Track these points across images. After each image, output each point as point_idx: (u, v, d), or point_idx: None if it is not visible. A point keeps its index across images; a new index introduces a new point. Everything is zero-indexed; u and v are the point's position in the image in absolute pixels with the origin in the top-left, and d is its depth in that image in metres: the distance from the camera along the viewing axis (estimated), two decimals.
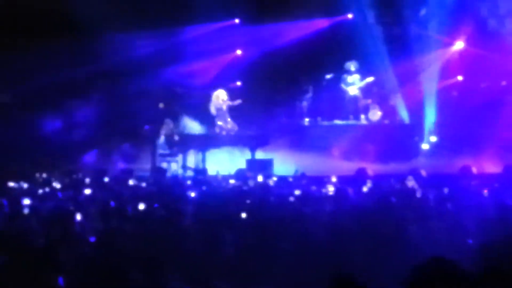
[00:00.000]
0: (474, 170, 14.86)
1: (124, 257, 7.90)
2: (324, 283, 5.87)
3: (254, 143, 21.31)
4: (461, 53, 23.19)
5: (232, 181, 16.13)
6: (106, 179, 16.00)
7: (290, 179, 16.13)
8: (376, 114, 22.91)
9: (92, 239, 8.73)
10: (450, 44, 23.19)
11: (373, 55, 22.85)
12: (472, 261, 7.02)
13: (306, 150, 21.51)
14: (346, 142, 21.86)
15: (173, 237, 8.87)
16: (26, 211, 10.88)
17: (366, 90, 23.30)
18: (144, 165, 21.13)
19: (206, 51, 23.45)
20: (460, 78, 23.15)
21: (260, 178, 16.06)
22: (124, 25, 22.02)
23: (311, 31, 23.94)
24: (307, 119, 23.50)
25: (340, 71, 23.50)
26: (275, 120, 23.25)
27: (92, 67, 22.39)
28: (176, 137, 21.94)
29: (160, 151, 21.96)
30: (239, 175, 17.06)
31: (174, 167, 21.62)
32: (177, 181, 16.83)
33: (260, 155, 21.30)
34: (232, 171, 18.07)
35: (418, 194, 11.57)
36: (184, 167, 21.37)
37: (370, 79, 23.25)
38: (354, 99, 23.29)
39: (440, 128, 22.67)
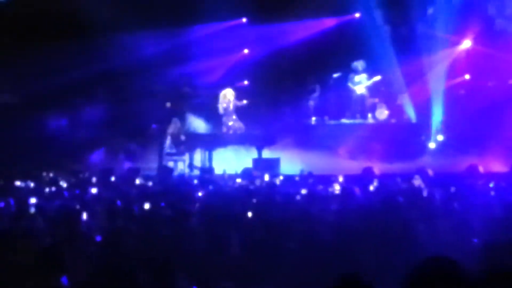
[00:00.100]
0: (481, 169, 14.82)
1: (130, 256, 7.90)
2: (330, 283, 5.86)
3: (260, 142, 21.29)
4: (468, 52, 23.13)
5: (238, 180, 16.13)
6: (113, 178, 16.01)
7: (297, 178, 16.12)
8: (383, 113, 22.89)
9: (98, 238, 8.73)
10: (457, 43, 23.14)
11: (380, 54, 22.82)
12: (478, 260, 7.01)
13: (313, 149, 21.51)
14: (353, 141, 21.85)
15: (180, 236, 8.87)
16: (32, 210, 10.90)
17: (373, 89, 23.29)
18: (151, 164, 21.14)
19: (214, 50, 23.47)
20: (467, 77, 23.09)
21: (266, 177, 16.06)
22: (131, 25, 22.05)
23: (318, 31, 23.94)
24: (314, 118, 23.50)
25: (347, 70, 23.49)
26: (282, 119, 23.23)
27: (99, 67, 22.39)
28: (183, 137, 21.95)
29: (167, 150, 21.98)
30: (246, 174, 17.06)
31: (180, 166, 21.63)
32: (183, 180, 16.83)
33: (266, 154, 21.29)
34: (239, 170, 18.06)
35: (425, 193, 11.54)
36: (191, 166, 21.37)
37: (377, 78, 23.23)
38: (361, 98, 23.27)
39: (447, 127, 22.63)
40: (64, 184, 15.52)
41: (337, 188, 13.02)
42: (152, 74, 23.30)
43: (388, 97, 23.30)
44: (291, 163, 20.11)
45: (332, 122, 23.36)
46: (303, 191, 12.28)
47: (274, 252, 8.33)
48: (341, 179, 14.51)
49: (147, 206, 10.76)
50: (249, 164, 19.93)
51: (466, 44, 23.09)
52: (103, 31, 21.84)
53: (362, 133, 22.08)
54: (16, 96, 23.56)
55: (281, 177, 16.47)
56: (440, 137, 22.64)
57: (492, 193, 11.74)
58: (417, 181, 13.09)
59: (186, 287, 7.12)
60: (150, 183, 15.83)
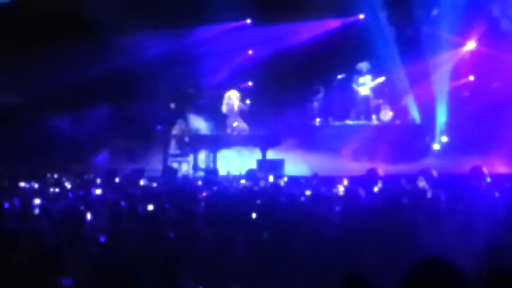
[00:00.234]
0: (485, 170, 14.80)
1: (134, 257, 7.90)
2: (335, 283, 5.86)
3: (265, 144, 21.27)
4: (473, 53, 23.11)
5: (243, 181, 16.12)
6: (117, 179, 16.02)
7: (302, 181, 16.10)
8: (387, 114, 22.89)
9: (102, 239, 8.74)
10: (462, 44, 23.12)
11: (385, 56, 22.82)
12: (482, 261, 7.01)
13: (317, 150, 21.52)
14: (357, 142, 21.86)
15: (184, 237, 8.87)
16: (36, 211, 10.91)
17: (378, 90, 23.28)
18: (155, 165, 21.14)
19: (218, 51, 23.48)
20: (471, 78, 23.08)
21: (271, 179, 16.06)
22: (136, 26, 22.08)
23: (322, 32, 23.93)
24: (318, 119, 23.51)
25: (352, 72, 23.47)
26: (286, 120, 23.21)
27: (103, 68, 22.40)
28: (187, 138, 21.96)
29: (171, 151, 21.99)
30: (250, 175, 17.04)
31: (185, 167, 21.64)
32: (188, 181, 16.84)
33: (271, 155, 21.28)
34: (243, 171, 18.05)
35: (429, 195, 11.52)
36: (195, 167, 21.38)
37: (381, 79, 23.23)
38: (366, 99, 23.27)
39: (451, 128, 22.61)
40: (68, 185, 15.53)
41: (341, 189, 13.02)
42: (156, 75, 23.29)
43: (393, 98, 23.29)
44: (295, 164, 20.13)
45: (336, 123, 23.36)
46: (308, 192, 12.27)
47: (279, 253, 8.34)
48: (346, 182, 14.47)
49: (151, 207, 10.76)
50: (253, 165, 19.91)
51: (471, 45, 23.07)
52: (107, 32, 21.86)
53: (366, 134, 22.08)
54: (21, 97, 23.59)
55: (285, 178, 16.48)
56: (445, 138, 22.62)
57: (497, 194, 11.72)
58: (422, 183, 13.06)
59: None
60: (155, 184, 15.84)
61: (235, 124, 22.21)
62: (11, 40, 23.03)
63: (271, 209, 10.35)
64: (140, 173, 16.88)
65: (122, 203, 10.73)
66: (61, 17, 22.68)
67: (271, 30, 24.21)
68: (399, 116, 23.05)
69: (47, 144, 21.87)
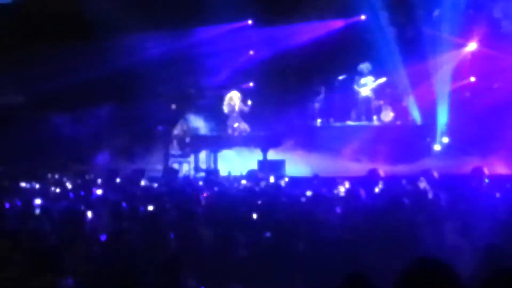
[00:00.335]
0: (486, 171, 14.80)
1: (135, 258, 7.91)
2: (335, 284, 5.87)
3: (265, 144, 21.28)
4: (474, 54, 23.10)
5: (243, 182, 16.13)
6: (118, 180, 16.02)
7: (303, 181, 16.11)
8: (388, 115, 22.88)
9: (103, 239, 8.74)
10: (463, 45, 23.10)
11: (386, 56, 22.80)
12: (481, 262, 7.01)
13: (318, 151, 21.53)
14: (358, 143, 21.84)
15: (185, 237, 8.88)
16: (37, 211, 10.91)
17: (379, 91, 23.27)
18: (156, 166, 21.16)
19: (219, 52, 23.48)
20: (472, 79, 23.06)
21: (271, 179, 16.06)
22: (137, 26, 22.08)
23: (323, 32, 23.92)
24: (319, 120, 23.49)
25: (353, 72, 23.46)
26: (287, 121, 23.20)
27: (105, 68, 22.40)
28: (188, 139, 21.96)
29: (172, 151, 21.99)
30: (251, 176, 17.05)
31: (186, 167, 21.64)
32: (188, 181, 16.85)
33: (271, 156, 21.28)
34: (244, 172, 18.06)
35: (430, 195, 11.53)
36: (196, 167, 21.39)
37: (382, 80, 23.22)
38: (367, 100, 23.25)
39: (452, 129, 22.59)
40: (69, 185, 15.54)
41: (342, 190, 13.01)
42: (157, 75, 23.29)
43: (394, 99, 23.28)
44: (296, 165, 20.13)
45: (337, 124, 23.35)
46: (308, 193, 12.27)
47: (280, 253, 8.35)
48: (347, 185, 14.46)
49: (152, 207, 10.76)
50: (254, 165, 19.92)
51: (472, 46, 23.05)
52: (109, 32, 21.85)
53: (367, 135, 22.06)
54: (22, 97, 23.61)
55: (286, 179, 16.48)
56: (445, 139, 22.61)
57: (497, 194, 11.72)
58: (422, 183, 13.06)
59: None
60: (155, 185, 15.85)
61: (236, 124, 22.21)
62: (12, 40, 23.03)
63: (272, 209, 10.36)
64: (141, 174, 16.89)
65: (123, 204, 10.73)
66: (61, 17, 22.69)
67: (272, 31, 24.22)
68: (400, 117, 23.04)
69: (48, 144, 21.87)
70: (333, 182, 14.06)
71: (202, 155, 22.00)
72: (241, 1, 22.32)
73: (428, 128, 22.89)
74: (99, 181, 16.06)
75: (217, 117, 22.86)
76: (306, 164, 19.79)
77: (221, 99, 22.70)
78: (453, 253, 7.79)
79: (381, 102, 23.16)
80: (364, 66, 23.30)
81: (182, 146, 21.97)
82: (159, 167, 20.99)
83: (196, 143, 21.86)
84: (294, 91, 24.33)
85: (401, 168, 18.89)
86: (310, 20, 23.86)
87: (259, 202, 11.31)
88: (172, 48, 23.32)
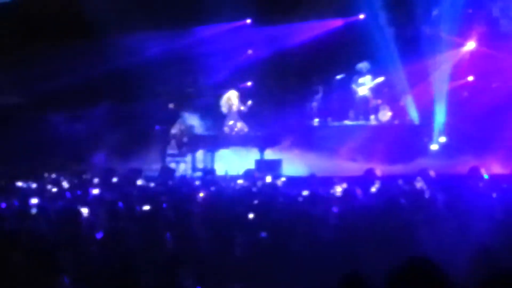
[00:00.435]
0: (483, 171, 14.79)
1: (133, 257, 7.90)
2: (332, 284, 5.86)
3: (263, 144, 21.29)
4: (472, 54, 23.08)
5: (240, 182, 16.12)
6: (115, 179, 16.01)
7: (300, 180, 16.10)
8: (386, 115, 22.87)
9: (99, 237, 8.74)
10: (462, 44, 23.09)
11: (384, 56, 22.78)
12: (477, 263, 7.01)
13: (315, 150, 21.52)
14: (355, 143, 21.83)
15: (181, 237, 8.87)
16: (34, 210, 10.90)
17: (376, 91, 23.26)
18: (153, 165, 21.15)
19: (217, 51, 23.48)
20: (471, 78, 23.05)
21: (268, 179, 16.04)
22: (135, 26, 22.06)
23: (322, 32, 23.92)
24: (317, 120, 23.48)
25: (351, 72, 23.44)
26: (284, 120, 23.20)
27: (102, 67, 22.41)
28: (186, 138, 21.95)
29: (170, 151, 21.98)
30: (248, 175, 17.06)
31: (182, 167, 21.64)
32: (185, 181, 16.84)
33: (269, 155, 21.28)
34: (241, 171, 18.06)
35: (427, 195, 11.53)
36: (193, 167, 21.39)
37: (380, 79, 23.21)
38: (364, 99, 23.24)
39: (450, 128, 22.56)
40: (66, 185, 15.53)
41: (338, 190, 13.00)
42: (155, 75, 23.28)
43: (391, 99, 23.26)
44: (293, 164, 20.13)
45: (335, 123, 23.34)
46: (305, 193, 12.26)
47: (277, 253, 8.35)
48: (344, 185, 14.45)
49: (149, 207, 10.75)
50: (251, 165, 19.92)
51: (470, 45, 23.04)
52: (107, 32, 21.84)
53: (364, 135, 22.05)
54: (19, 96, 23.59)
55: (283, 179, 16.47)
56: (443, 139, 22.59)
57: (494, 195, 11.71)
58: (419, 183, 13.06)
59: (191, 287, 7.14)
60: (152, 184, 15.83)
61: (233, 123, 22.20)
62: (11, 40, 23.02)
63: (268, 209, 10.36)
64: (137, 173, 16.88)
65: (120, 203, 10.72)
66: (60, 17, 22.67)
67: (270, 30, 24.22)
68: (398, 116, 23.02)
69: (45, 144, 21.85)
70: (330, 181, 14.05)
71: (199, 154, 22.00)
72: (240, 0, 22.31)
73: (425, 127, 22.86)
74: (95, 180, 16.04)
75: (215, 116, 22.86)
76: (303, 164, 19.77)
77: (219, 99, 22.70)
78: (450, 253, 7.79)
79: (379, 101, 23.15)
80: (363, 65, 23.30)
81: (180, 145, 21.97)
82: (156, 166, 20.97)
83: (193, 142, 21.87)
84: (292, 91, 24.33)
85: (398, 168, 18.88)
86: (309, 19, 23.85)
87: (256, 201, 11.30)
88: (170, 48, 23.33)
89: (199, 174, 19.83)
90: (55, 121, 22.97)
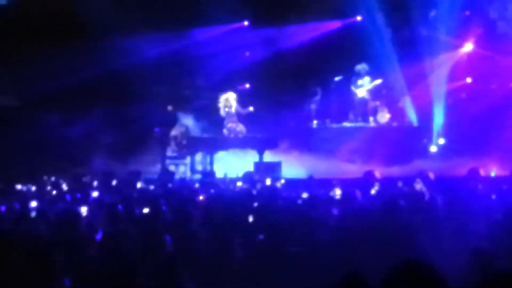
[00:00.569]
0: (482, 172, 14.79)
1: (132, 260, 7.90)
2: (332, 285, 5.86)
3: (262, 146, 21.29)
4: (470, 55, 23.13)
5: (239, 184, 16.11)
6: (114, 182, 16.00)
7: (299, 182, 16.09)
8: (384, 117, 22.89)
9: (98, 239, 8.73)
10: (459, 46, 23.14)
11: (382, 57, 22.82)
12: (473, 265, 7.02)
13: (314, 152, 21.55)
14: (354, 145, 21.85)
15: (181, 239, 8.87)
16: (33, 213, 10.90)
17: (375, 92, 23.28)
18: (152, 168, 21.15)
19: (215, 53, 23.48)
20: (469, 80, 23.09)
21: (268, 181, 16.04)
22: (134, 28, 22.06)
23: (320, 34, 23.97)
24: (315, 122, 23.51)
25: (349, 73, 23.46)
26: (283, 122, 23.24)
27: (101, 69, 22.40)
28: (185, 141, 21.94)
29: (169, 153, 21.97)
30: (247, 177, 17.04)
31: (182, 169, 21.63)
32: (185, 183, 16.83)
33: (268, 157, 21.28)
34: (240, 173, 18.05)
35: (426, 197, 11.52)
36: (192, 169, 21.38)
37: (378, 81, 23.22)
38: (363, 101, 23.27)
39: (449, 130, 22.61)
40: (65, 188, 15.52)
41: (338, 192, 12.99)
42: (154, 77, 23.28)
43: (390, 100, 23.29)
44: (292, 166, 20.12)
45: (334, 125, 23.37)
46: (305, 195, 12.26)
47: (276, 255, 8.34)
48: (343, 189, 14.44)
49: (148, 209, 10.74)
50: (250, 167, 19.92)
51: (468, 47, 23.08)
52: (105, 33, 21.82)
53: (363, 137, 22.08)
54: (18, 98, 23.59)
55: (283, 181, 16.46)
56: (442, 141, 22.63)
57: (493, 196, 11.71)
58: (419, 185, 13.05)
59: None
60: (152, 187, 15.83)
61: (231, 125, 22.19)
62: (9, 41, 23.01)
63: (268, 211, 10.35)
64: (137, 176, 16.88)
65: (119, 206, 10.71)
66: (58, 18, 22.67)
67: (268, 32, 24.25)
68: (396, 118, 23.06)
69: (44, 146, 21.85)
70: (329, 184, 14.05)
71: (198, 157, 21.99)
72: (238, 2, 22.33)
73: (424, 129, 22.92)
74: (95, 183, 16.04)
75: (213, 118, 22.85)
76: (302, 166, 19.77)
77: (217, 101, 22.69)
78: (449, 254, 7.80)
79: (378, 103, 23.18)
80: (361, 67, 23.32)
81: (179, 147, 21.97)
82: (155, 169, 20.97)
83: (192, 144, 21.85)
84: (291, 92, 24.36)
85: (397, 170, 18.87)
86: (306, 21, 23.89)
87: (255, 204, 11.30)
88: (169, 50, 23.33)
89: (198, 176, 19.83)
90: (54, 123, 22.96)
